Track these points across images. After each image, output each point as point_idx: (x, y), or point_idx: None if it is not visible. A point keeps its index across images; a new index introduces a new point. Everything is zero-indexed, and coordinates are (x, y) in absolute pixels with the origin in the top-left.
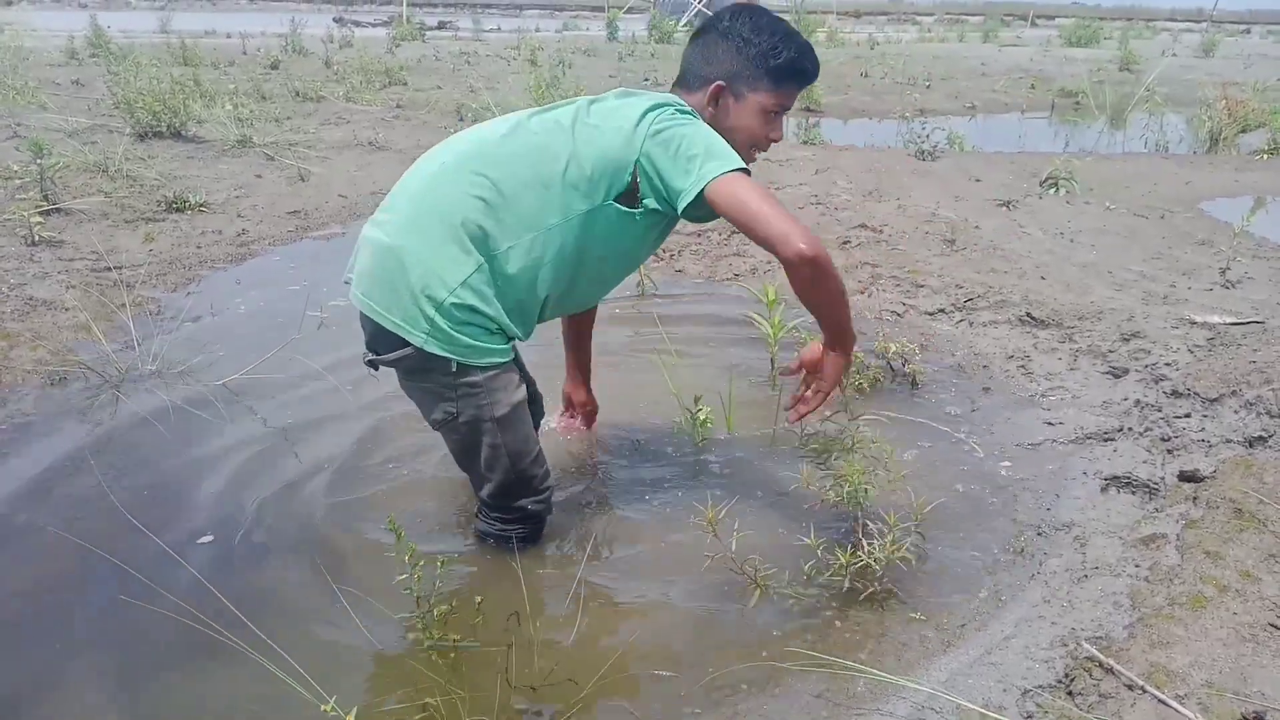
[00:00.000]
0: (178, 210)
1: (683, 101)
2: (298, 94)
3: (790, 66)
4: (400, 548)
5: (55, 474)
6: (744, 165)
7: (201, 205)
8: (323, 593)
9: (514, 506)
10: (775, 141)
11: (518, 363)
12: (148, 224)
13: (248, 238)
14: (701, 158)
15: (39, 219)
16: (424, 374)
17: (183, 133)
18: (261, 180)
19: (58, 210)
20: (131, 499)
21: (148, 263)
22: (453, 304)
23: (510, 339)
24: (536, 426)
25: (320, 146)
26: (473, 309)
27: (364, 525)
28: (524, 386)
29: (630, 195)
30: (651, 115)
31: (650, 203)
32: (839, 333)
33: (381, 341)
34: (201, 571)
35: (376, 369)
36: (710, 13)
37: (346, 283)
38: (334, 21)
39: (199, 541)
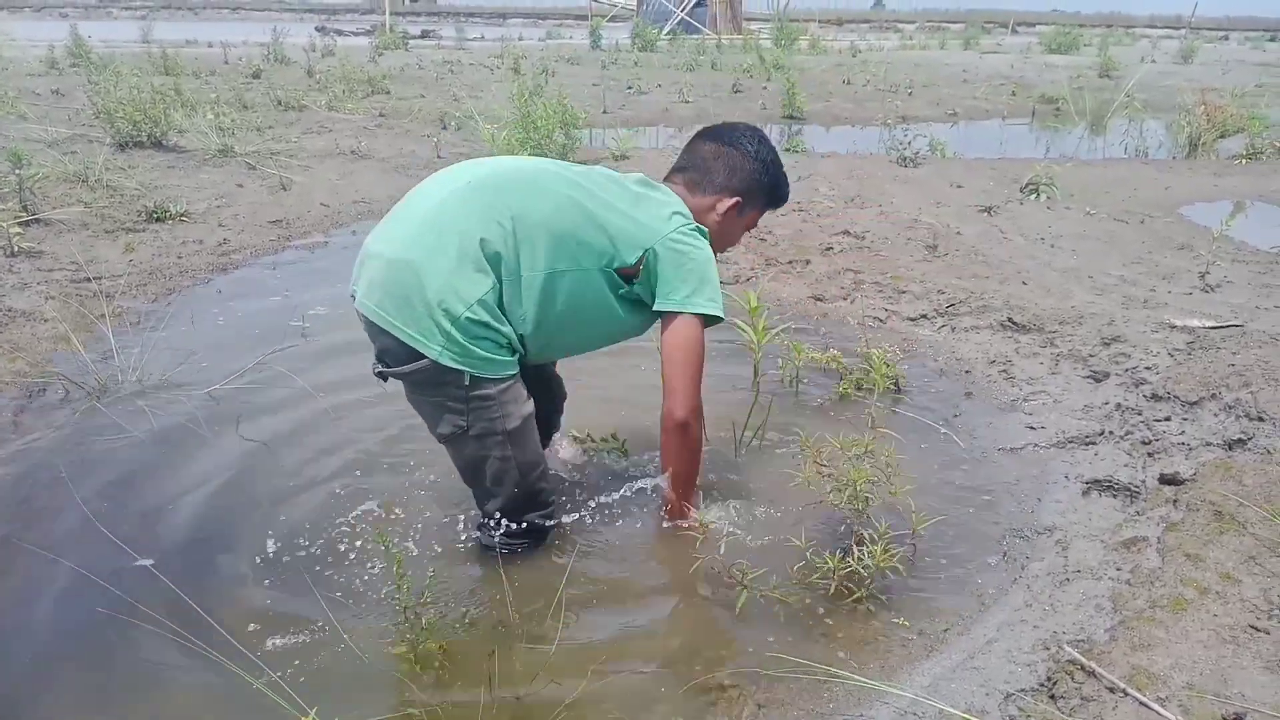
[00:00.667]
0: (158, 220)
1: (688, 212)
2: (280, 103)
3: (782, 199)
4: (387, 557)
5: (31, 486)
6: (719, 313)
7: (182, 215)
8: (305, 602)
9: (524, 520)
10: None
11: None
12: (128, 234)
13: (229, 247)
14: (697, 288)
15: (18, 229)
16: (436, 387)
17: (164, 142)
18: (243, 189)
19: (37, 221)
20: (109, 512)
21: (128, 273)
22: (468, 319)
23: (517, 353)
24: (547, 438)
25: (302, 155)
26: (486, 324)
27: (347, 535)
28: (531, 400)
29: (627, 274)
30: (678, 222)
31: (638, 289)
32: (681, 489)
33: (392, 354)
34: (179, 585)
35: (385, 380)
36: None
37: (352, 296)
38: (316, 30)
39: (177, 554)
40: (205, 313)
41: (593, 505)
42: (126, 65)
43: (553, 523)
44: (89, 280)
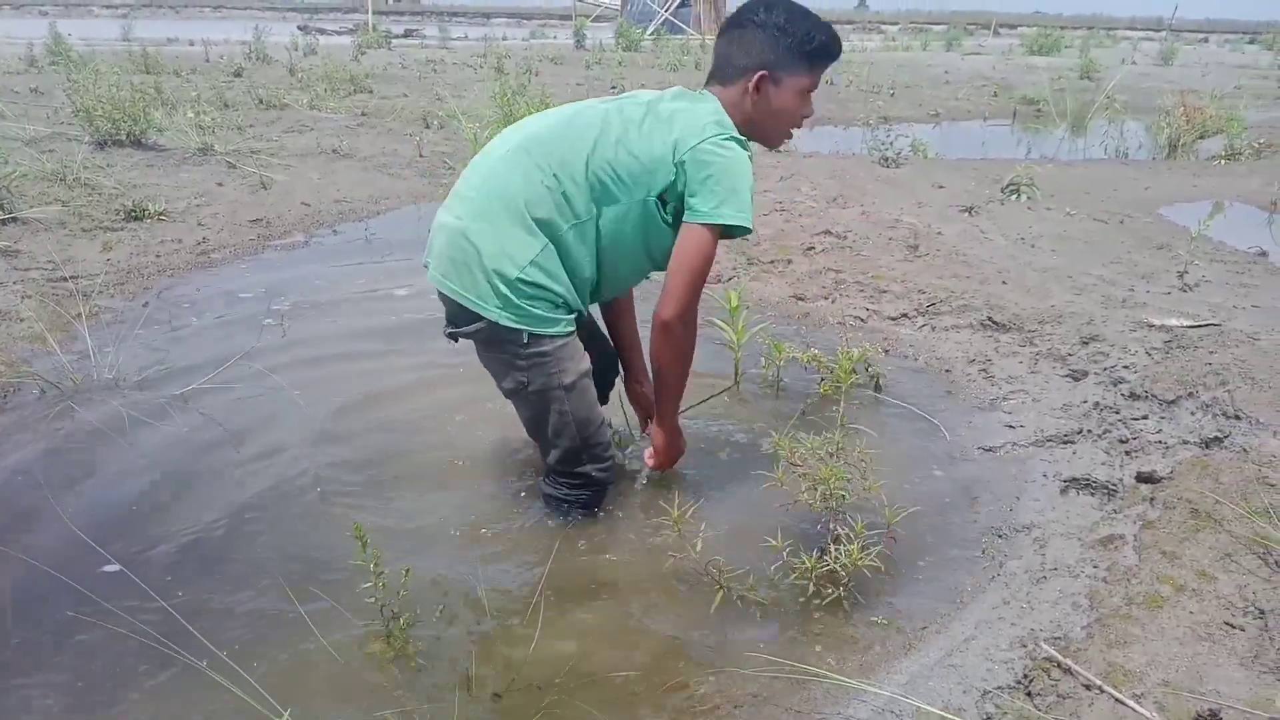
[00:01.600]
0: (136, 219)
1: (728, 120)
2: (261, 101)
3: (823, 50)
4: (364, 557)
5: (4, 487)
6: (744, 224)
7: (161, 214)
8: (280, 603)
9: (579, 472)
10: (808, 117)
11: (589, 327)
12: (106, 233)
13: (208, 246)
14: (724, 199)
15: None
16: (498, 345)
17: (143, 141)
18: (223, 188)
19: (14, 219)
20: (83, 513)
21: (105, 272)
22: (521, 280)
23: (574, 311)
24: (606, 393)
25: (283, 154)
26: (539, 285)
27: (324, 534)
28: (588, 357)
29: (667, 197)
30: (711, 131)
31: (676, 205)
32: (669, 394)
33: (460, 317)
34: (154, 586)
35: (457, 340)
36: (676, 21)
37: (425, 265)
38: (299, 29)
39: (151, 556)
40: (183, 312)
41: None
42: (106, 63)
43: (607, 475)
44: (66, 279)
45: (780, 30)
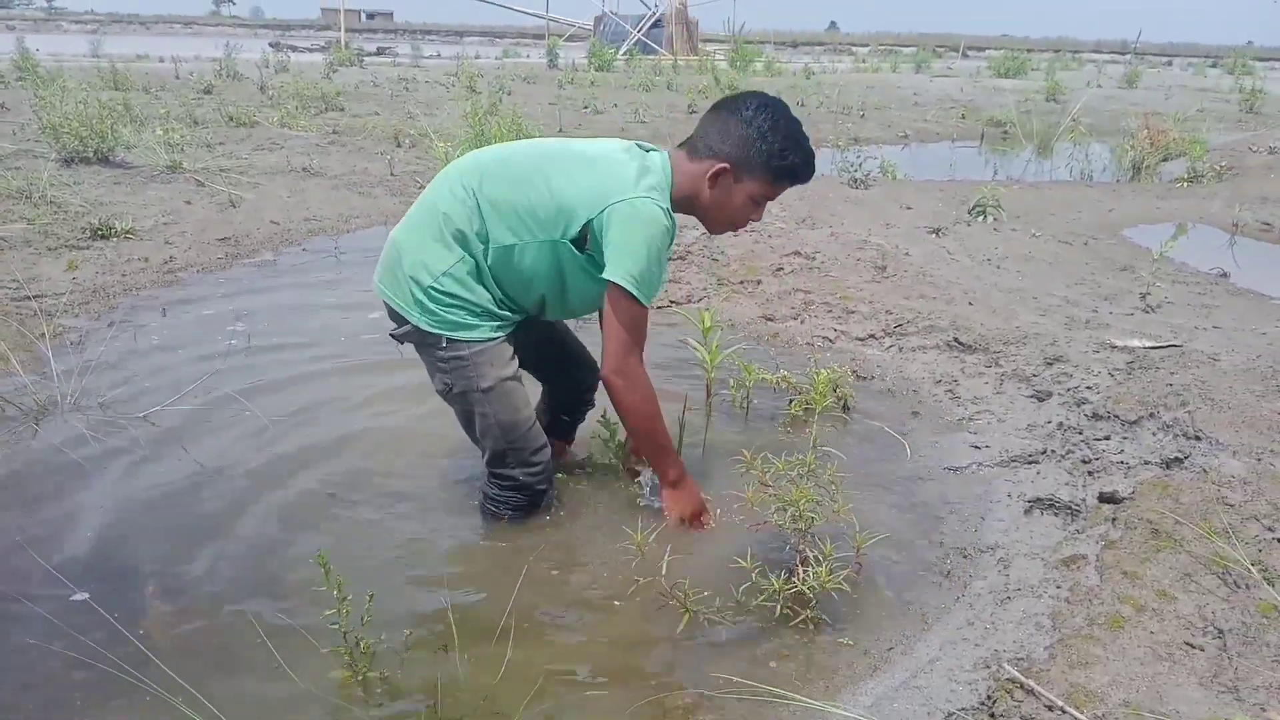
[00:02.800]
0: (103, 237)
1: (664, 183)
2: (231, 119)
3: (790, 171)
4: (327, 582)
5: None
6: (640, 298)
7: (128, 232)
8: (244, 630)
9: (506, 474)
10: (754, 221)
11: (565, 359)
12: (71, 251)
13: (175, 265)
14: (629, 262)
15: None
16: (424, 348)
17: (110, 158)
18: (191, 206)
19: None
20: (43, 538)
21: (70, 291)
22: (434, 289)
23: (499, 320)
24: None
25: (253, 172)
26: (454, 295)
27: (289, 559)
28: (515, 362)
29: (581, 243)
30: (640, 190)
31: (596, 255)
32: (650, 451)
33: (394, 320)
34: (115, 614)
35: (401, 342)
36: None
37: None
38: (270, 46)
39: (113, 581)
40: (148, 333)
41: (535, 528)
42: (75, 79)
43: (536, 479)
44: (29, 299)
45: (759, 135)
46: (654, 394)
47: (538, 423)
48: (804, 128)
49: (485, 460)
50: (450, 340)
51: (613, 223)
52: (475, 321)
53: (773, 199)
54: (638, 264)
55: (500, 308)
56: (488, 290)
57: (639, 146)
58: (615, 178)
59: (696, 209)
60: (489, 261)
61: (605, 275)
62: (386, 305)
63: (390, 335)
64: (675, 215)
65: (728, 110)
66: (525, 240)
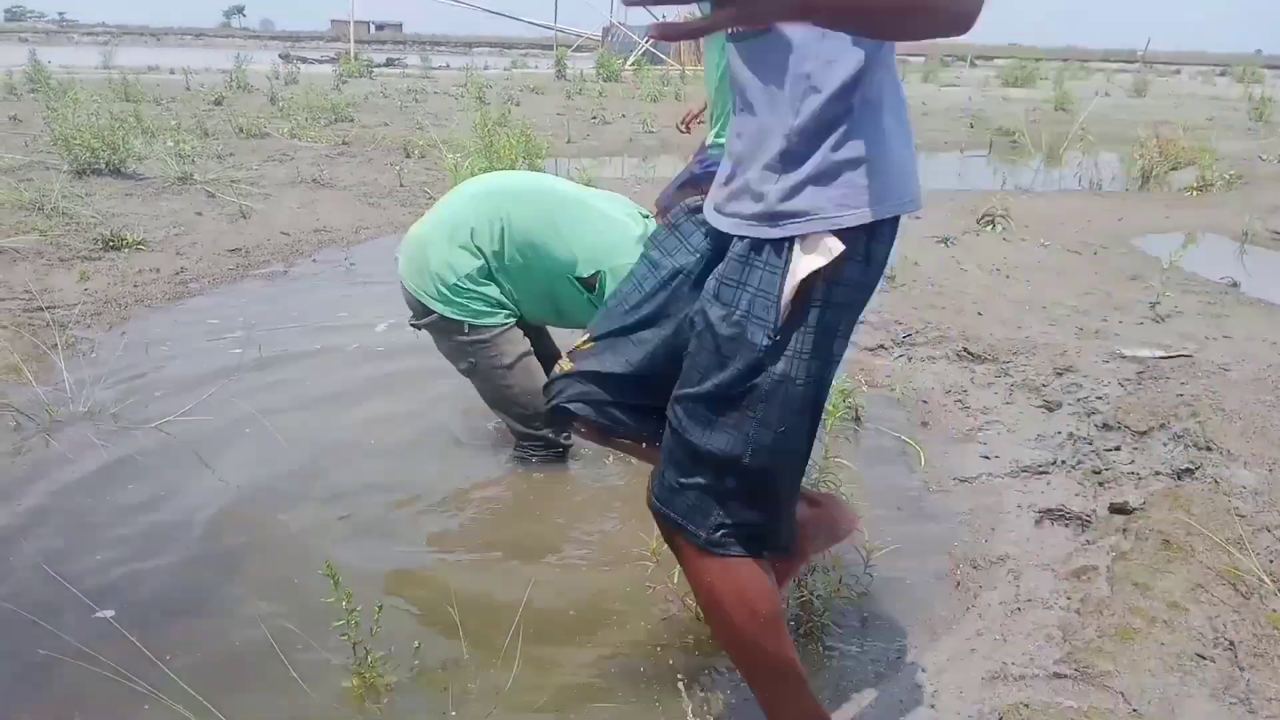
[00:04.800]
0: (115, 249)
1: None
2: (241, 130)
3: None
4: (336, 594)
5: None
6: None
7: (139, 243)
8: (255, 641)
9: (537, 436)
10: None
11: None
12: (83, 263)
13: (186, 276)
14: None
15: None
16: (445, 334)
17: (122, 169)
18: (202, 218)
19: None
20: (57, 550)
21: (82, 302)
22: (456, 284)
23: (511, 310)
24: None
25: (263, 184)
26: (472, 291)
27: (300, 570)
28: (527, 340)
29: (587, 284)
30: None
31: (598, 299)
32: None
33: (418, 310)
34: (128, 626)
35: (419, 330)
36: (656, 51)
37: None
38: (280, 57)
39: (125, 593)
40: (160, 343)
41: (546, 533)
42: (86, 91)
43: (562, 434)
44: (42, 309)
45: None
46: None
47: None
48: None
49: (511, 424)
50: (472, 326)
51: (613, 281)
52: (492, 310)
53: None
54: None
55: (510, 301)
56: (500, 289)
57: (641, 213)
58: (621, 240)
59: None
60: (505, 272)
61: None
62: (409, 297)
63: (410, 324)
64: None
65: None
66: (534, 266)
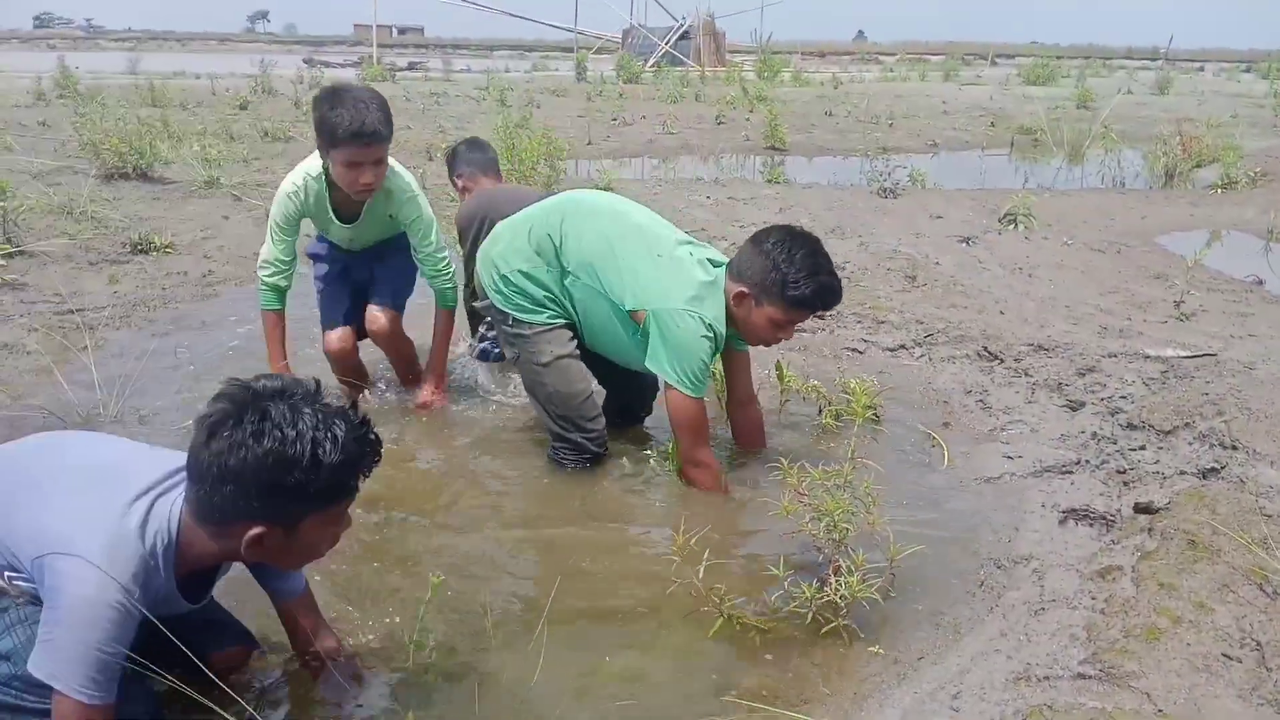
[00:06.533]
0: (143, 252)
1: (717, 299)
2: (266, 134)
3: (802, 301)
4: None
5: None
6: (688, 391)
7: (167, 247)
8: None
9: (569, 439)
10: (784, 340)
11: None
12: (112, 266)
13: (214, 279)
14: (671, 360)
15: (1, 261)
16: (499, 321)
17: (149, 174)
18: (229, 221)
19: (21, 253)
20: None
21: (111, 305)
22: (507, 276)
23: (557, 311)
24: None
25: None
26: (520, 287)
27: (329, 565)
28: (573, 343)
29: (636, 317)
30: (688, 302)
31: (644, 335)
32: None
33: (480, 294)
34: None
35: (478, 315)
36: (676, 53)
37: None
38: (304, 63)
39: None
40: (188, 345)
41: (577, 528)
42: (114, 96)
43: (593, 443)
44: (72, 312)
45: (774, 265)
46: (721, 474)
47: (594, 396)
48: (828, 259)
49: (548, 426)
50: (515, 319)
51: (656, 324)
52: (538, 308)
53: (797, 323)
54: (680, 362)
55: (564, 308)
56: (547, 291)
57: (713, 262)
58: (673, 285)
59: (735, 325)
60: (575, 287)
61: (655, 369)
62: (478, 279)
63: (472, 305)
64: (724, 325)
65: (755, 240)
66: (586, 283)
